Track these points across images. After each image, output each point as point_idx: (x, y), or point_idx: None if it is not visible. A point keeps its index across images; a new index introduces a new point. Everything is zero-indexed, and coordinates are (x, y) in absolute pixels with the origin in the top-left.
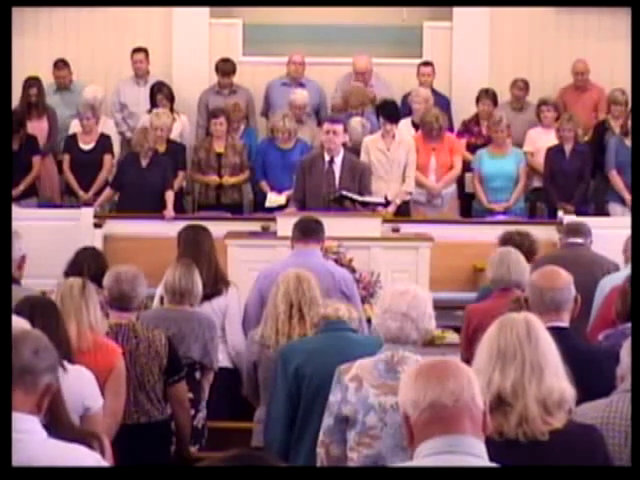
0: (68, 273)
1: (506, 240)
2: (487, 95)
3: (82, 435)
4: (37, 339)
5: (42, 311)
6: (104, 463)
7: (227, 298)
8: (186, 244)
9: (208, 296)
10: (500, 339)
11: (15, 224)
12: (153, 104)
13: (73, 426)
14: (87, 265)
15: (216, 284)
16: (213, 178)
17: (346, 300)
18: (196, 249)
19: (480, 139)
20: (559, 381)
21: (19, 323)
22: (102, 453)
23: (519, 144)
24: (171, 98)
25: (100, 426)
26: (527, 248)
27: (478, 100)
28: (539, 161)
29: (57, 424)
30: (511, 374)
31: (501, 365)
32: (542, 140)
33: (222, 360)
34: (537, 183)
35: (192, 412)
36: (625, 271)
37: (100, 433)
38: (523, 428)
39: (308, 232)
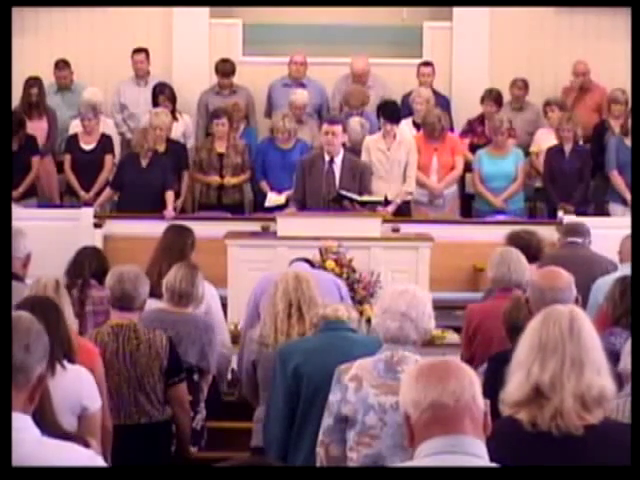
0: (69, 272)
1: (513, 239)
2: (490, 96)
3: (69, 438)
4: (26, 332)
5: (43, 311)
6: (99, 460)
7: (206, 298)
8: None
9: None
10: (542, 331)
11: (15, 224)
12: (155, 105)
13: (61, 429)
14: (88, 264)
15: None
16: (215, 178)
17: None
18: (166, 248)
19: (482, 139)
20: (600, 377)
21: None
22: None
23: (519, 144)
24: (173, 99)
25: (98, 427)
26: (535, 247)
27: (483, 100)
28: (542, 162)
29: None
30: (550, 368)
31: (541, 358)
32: (548, 141)
33: None
34: (538, 183)
35: (191, 414)
36: (620, 273)
37: (90, 436)
38: (557, 421)
39: (297, 259)
